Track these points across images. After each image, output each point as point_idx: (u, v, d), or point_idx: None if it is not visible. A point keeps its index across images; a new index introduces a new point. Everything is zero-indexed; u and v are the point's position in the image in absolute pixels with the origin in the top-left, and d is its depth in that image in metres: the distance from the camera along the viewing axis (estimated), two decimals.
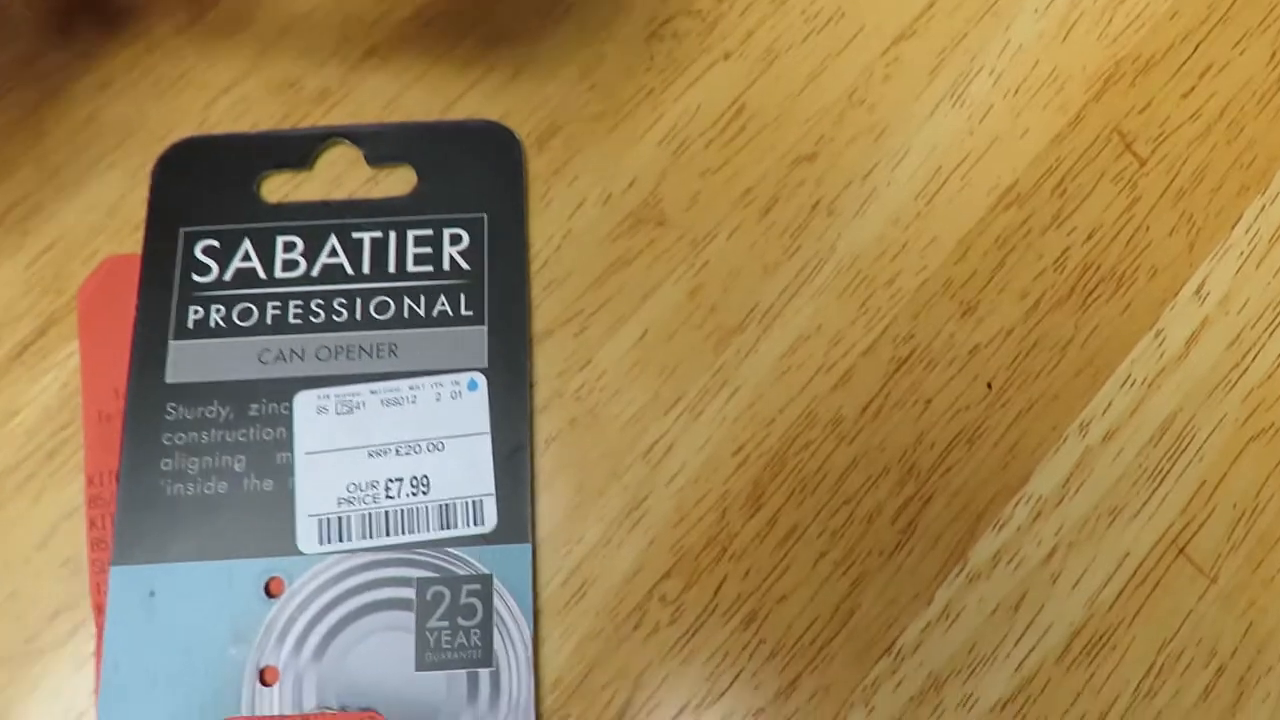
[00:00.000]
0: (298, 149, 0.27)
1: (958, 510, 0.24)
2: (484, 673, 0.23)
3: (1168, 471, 0.25)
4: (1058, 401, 0.25)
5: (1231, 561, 0.24)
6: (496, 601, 0.23)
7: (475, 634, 0.23)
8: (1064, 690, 0.23)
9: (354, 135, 0.27)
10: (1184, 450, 0.24)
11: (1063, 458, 0.25)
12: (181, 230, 0.26)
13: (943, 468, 0.25)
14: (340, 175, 0.27)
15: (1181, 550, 0.24)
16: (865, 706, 0.23)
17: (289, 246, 0.26)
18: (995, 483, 0.24)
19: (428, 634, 0.23)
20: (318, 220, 0.27)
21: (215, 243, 0.26)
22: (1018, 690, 0.23)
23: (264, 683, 0.23)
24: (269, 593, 0.23)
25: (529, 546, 0.24)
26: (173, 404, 0.25)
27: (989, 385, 0.25)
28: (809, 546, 0.24)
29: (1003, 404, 0.25)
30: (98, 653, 0.23)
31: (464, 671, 0.23)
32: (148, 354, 0.25)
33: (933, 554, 0.24)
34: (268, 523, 0.24)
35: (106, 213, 0.27)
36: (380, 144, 0.27)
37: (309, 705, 0.22)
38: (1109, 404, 0.25)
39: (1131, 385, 0.25)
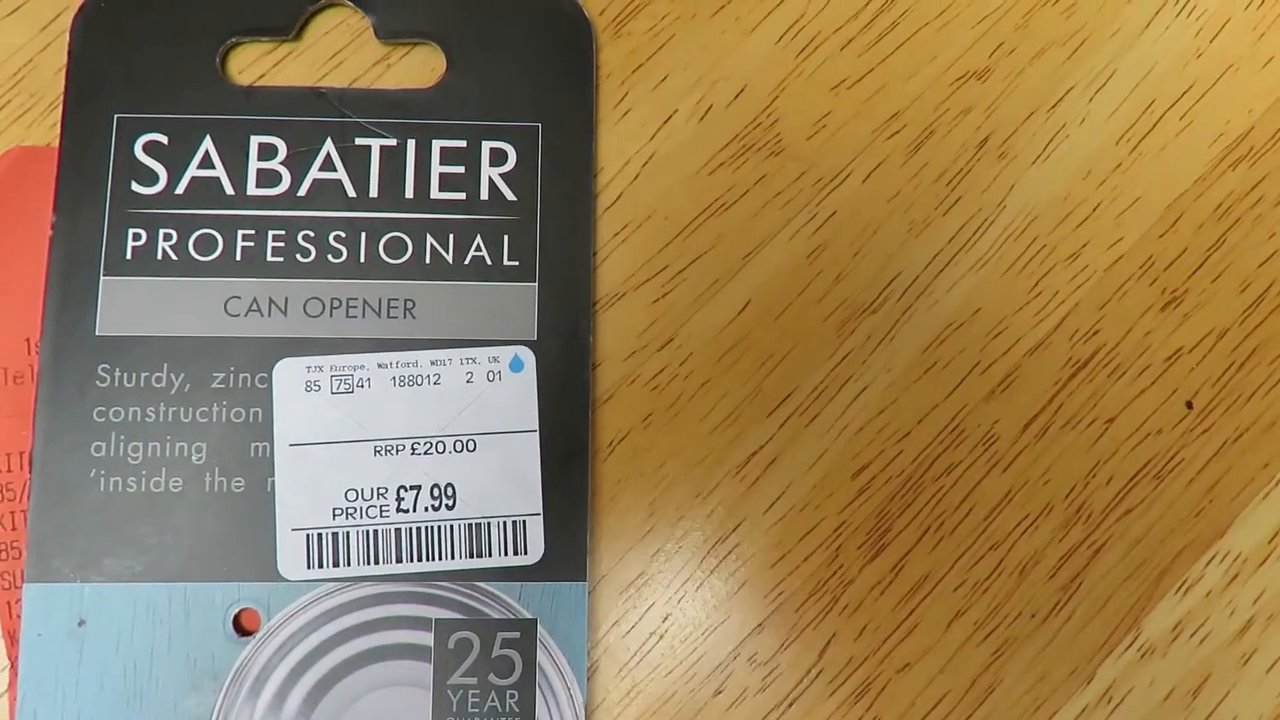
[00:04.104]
0: (280, 9, 0.21)
1: (1135, 565, 0.20)
2: None
3: None
4: (1273, 431, 0.21)
5: None
6: (540, 655, 0.19)
7: (512, 696, 0.19)
8: None
9: None
10: None
11: (1273, 505, 0.21)
12: (115, 116, 0.20)
13: (1120, 509, 0.21)
14: (339, 52, 0.21)
15: None
16: None
17: (267, 151, 0.20)
18: (1185, 533, 0.21)
19: (449, 693, 0.19)
20: (307, 115, 0.21)
21: (162, 138, 0.20)
22: None
23: None
24: (240, 629, 0.19)
25: (584, 585, 0.19)
26: (105, 365, 0.20)
27: (1189, 404, 0.21)
28: (943, 602, 0.20)
29: (1204, 430, 0.21)
30: (10, 697, 0.19)
31: None
32: (69, 293, 0.20)
33: (1098, 620, 0.20)
34: (238, 536, 0.19)
35: (6, 82, 0.21)
36: (396, 10, 0.21)
37: None
38: None
39: None
